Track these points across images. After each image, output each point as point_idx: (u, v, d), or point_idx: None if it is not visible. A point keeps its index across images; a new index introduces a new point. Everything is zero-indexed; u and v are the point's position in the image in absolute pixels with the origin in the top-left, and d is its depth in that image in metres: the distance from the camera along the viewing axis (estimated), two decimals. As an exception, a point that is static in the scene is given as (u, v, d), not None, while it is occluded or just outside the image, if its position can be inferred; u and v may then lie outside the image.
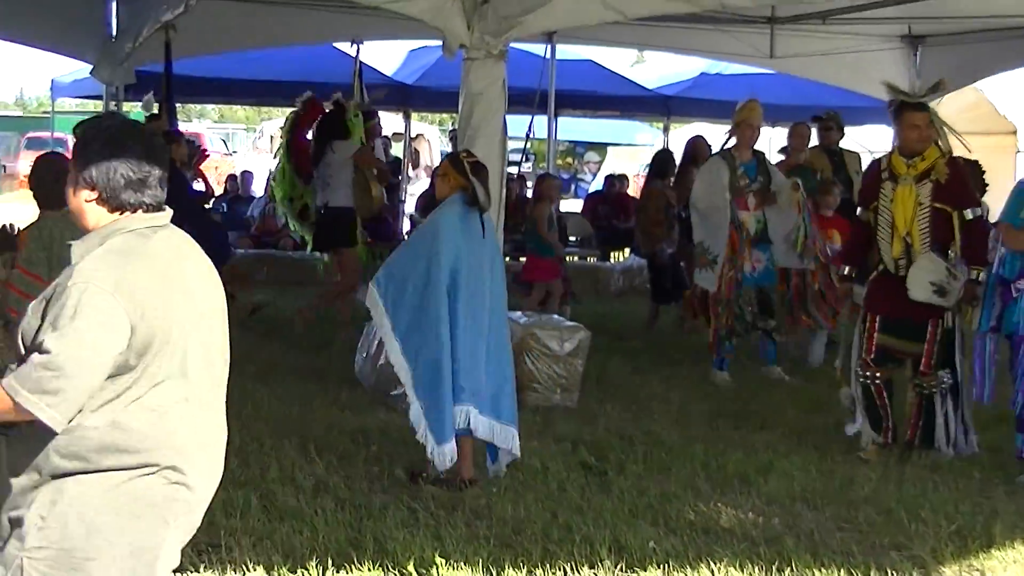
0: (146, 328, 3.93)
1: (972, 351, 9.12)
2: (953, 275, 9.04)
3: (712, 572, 6.59)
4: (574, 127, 31.77)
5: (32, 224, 6.89)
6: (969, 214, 9.12)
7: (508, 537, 7.10)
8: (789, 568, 6.68)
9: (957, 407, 9.26)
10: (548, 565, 6.61)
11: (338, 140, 14.27)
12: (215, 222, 13.87)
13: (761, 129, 12.44)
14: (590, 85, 23.26)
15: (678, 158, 16.13)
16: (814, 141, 14.13)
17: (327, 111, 15.01)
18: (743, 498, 8.12)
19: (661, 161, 16.04)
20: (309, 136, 15.03)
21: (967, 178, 9.50)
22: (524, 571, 6.52)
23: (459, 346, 8.01)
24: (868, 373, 9.36)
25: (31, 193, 7.12)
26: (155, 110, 17.09)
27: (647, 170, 15.92)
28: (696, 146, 15.22)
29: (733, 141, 12.15)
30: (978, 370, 9.04)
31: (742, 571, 6.63)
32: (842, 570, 6.70)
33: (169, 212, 4.21)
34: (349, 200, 14.14)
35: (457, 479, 8.07)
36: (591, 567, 6.60)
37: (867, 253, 9.70)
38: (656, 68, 28.54)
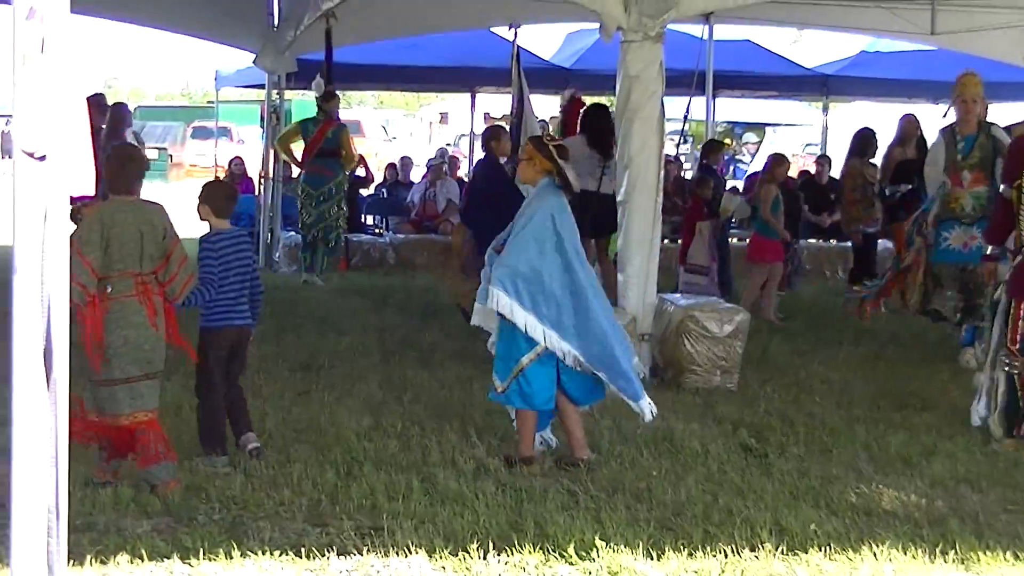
0: None
1: None
2: None
3: (875, 555, 6.52)
4: (732, 108, 31.64)
5: (97, 206, 7.02)
6: None
7: (668, 520, 7.09)
8: (953, 550, 6.60)
9: None
10: (709, 548, 6.59)
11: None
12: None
13: (981, 101, 11.97)
14: (748, 65, 23.13)
15: (836, 136, 15.99)
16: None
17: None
18: (905, 480, 8.03)
19: (862, 139, 15.70)
20: None
21: None
22: (684, 554, 6.51)
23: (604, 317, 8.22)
24: (1012, 362, 8.99)
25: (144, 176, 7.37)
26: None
27: (848, 148, 15.64)
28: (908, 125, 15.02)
29: (953, 116, 11.78)
30: None
31: (905, 553, 6.56)
32: (1008, 552, 6.60)
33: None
34: None
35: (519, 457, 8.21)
36: (752, 550, 6.57)
37: (1010, 232, 9.16)
38: (815, 47, 28.30)
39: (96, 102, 16.81)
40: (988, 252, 9.66)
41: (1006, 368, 9.03)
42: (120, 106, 17.74)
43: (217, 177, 22.07)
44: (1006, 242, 9.26)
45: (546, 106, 25.11)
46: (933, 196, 11.59)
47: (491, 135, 13.40)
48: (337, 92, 17.53)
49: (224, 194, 8.42)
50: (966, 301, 11.51)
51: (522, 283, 8.08)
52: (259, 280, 8.39)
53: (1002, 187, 9.36)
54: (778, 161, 15.44)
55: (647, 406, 8.22)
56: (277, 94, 19.23)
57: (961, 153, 11.45)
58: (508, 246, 8.24)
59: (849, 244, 16.86)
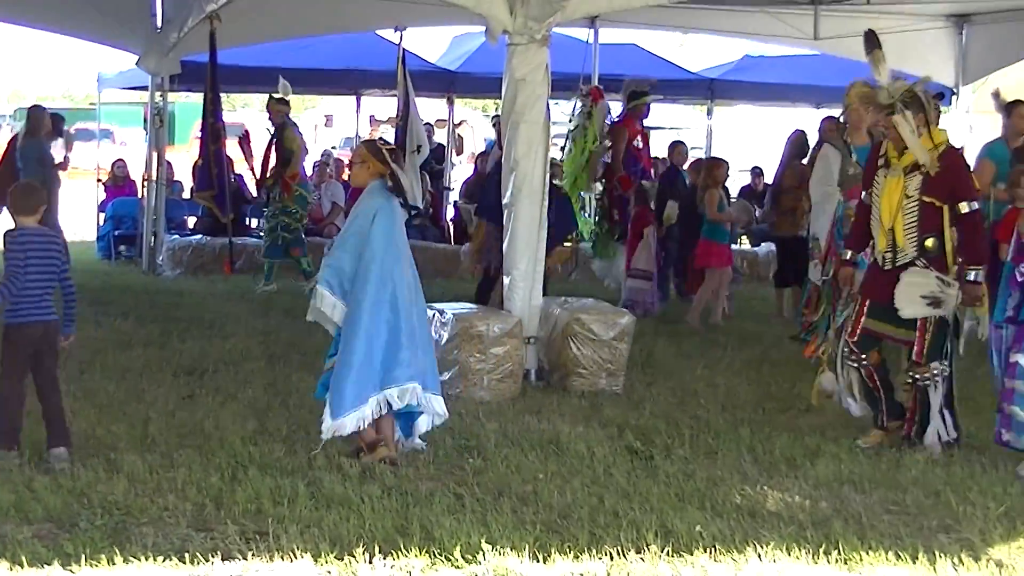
0: None
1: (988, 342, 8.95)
2: (945, 283, 8.74)
3: (759, 556, 6.57)
4: (616, 111, 31.75)
5: None
6: (965, 207, 8.74)
7: (554, 523, 7.09)
8: (836, 551, 6.65)
9: (949, 400, 8.96)
10: (594, 550, 6.60)
11: None
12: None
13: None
14: (633, 69, 23.14)
15: (720, 139, 16.04)
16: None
17: None
18: (790, 482, 8.09)
19: (800, 141, 15.50)
20: None
21: (962, 170, 9.04)
22: (571, 556, 6.52)
23: (403, 329, 8.27)
24: (853, 357, 9.11)
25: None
26: (289, 96, 17.12)
27: (787, 152, 15.56)
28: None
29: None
30: (996, 364, 8.82)
31: (789, 554, 6.61)
32: (890, 553, 6.66)
33: None
34: None
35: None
36: (638, 552, 6.59)
37: (869, 238, 9.24)
38: (700, 51, 28.51)
39: None
40: (847, 257, 9.57)
41: (853, 364, 9.13)
42: (37, 109, 17.30)
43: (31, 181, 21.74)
44: (865, 248, 9.42)
45: (432, 109, 25.10)
46: (835, 215, 11.43)
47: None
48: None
49: (23, 193, 8.36)
50: None
51: (347, 282, 8.27)
52: (71, 282, 8.29)
53: (863, 193, 9.34)
54: (716, 164, 15.46)
55: (333, 428, 8.17)
56: (161, 96, 19.03)
57: (852, 167, 11.19)
58: (334, 245, 8.55)
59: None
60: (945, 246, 8.80)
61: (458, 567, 6.36)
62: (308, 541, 6.61)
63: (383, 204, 8.39)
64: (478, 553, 6.45)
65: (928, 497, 7.79)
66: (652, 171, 15.87)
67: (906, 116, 8.68)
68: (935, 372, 8.88)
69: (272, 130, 16.76)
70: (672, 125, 39.50)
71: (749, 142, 16.53)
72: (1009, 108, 10.62)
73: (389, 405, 8.27)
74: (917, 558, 6.61)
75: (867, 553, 6.65)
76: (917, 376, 8.95)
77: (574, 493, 7.63)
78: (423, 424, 8.63)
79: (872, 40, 9.15)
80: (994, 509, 7.48)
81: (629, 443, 8.92)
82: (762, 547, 6.66)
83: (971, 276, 8.75)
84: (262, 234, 17.03)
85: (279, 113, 16.83)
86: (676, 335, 13.54)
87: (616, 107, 16.19)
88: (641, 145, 15.14)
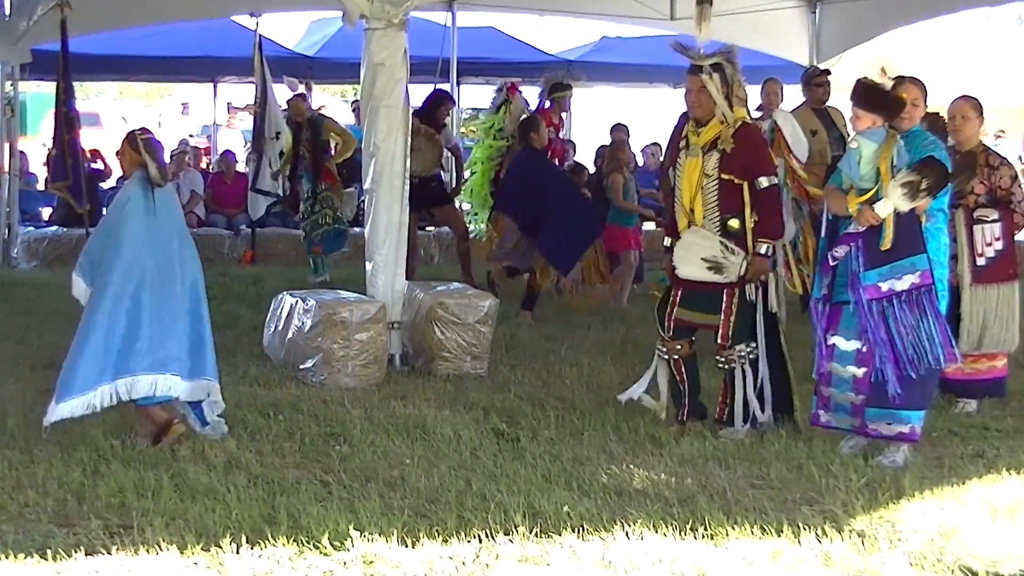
0: None
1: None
2: (729, 249, 8.68)
3: (626, 534, 6.60)
4: (477, 94, 31.74)
5: None
6: (764, 182, 8.73)
7: (422, 507, 7.09)
8: (703, 527, 6.71)
9: (757, 381, 8.92)
10: (463, 533, 6.60)
11: None
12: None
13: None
14: (492, 52, 23.25)
15: (579, 122, 16.08)
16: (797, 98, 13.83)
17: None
18: (656, 459, 8.15)
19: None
20: None
21: (759, 146, 9.02)
22: (439, 540, 6.51)
23: (145, 320, 8.27)
24: (667, 348, 9.07)
25: None
26: (301, 89, 16.86)
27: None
28: None
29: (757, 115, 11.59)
30: (818, 339, 8.64)
31: (656, 531, 6.66)
32: (755, 527, 6.73)
33: None
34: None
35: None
36: (506, 533, 6.60)
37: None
38: (558, 33, 28.57)
39: None
40: (667, 244, 9.44)
41: (664, 356, 9.10)
42: None
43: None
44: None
45: (290, 95, 24.91)
46: None
47: (530, 126, 13.72)
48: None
49: None
50: None
51: (92, 268, 8.37)
52: None
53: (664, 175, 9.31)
54: (619, 147, 15.43)
55: (56, 412, 8.12)
56: (11, 86, 18.69)
57: None
58: (92, 234, 8.67)
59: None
60: (746, 225, 8.75)
61: (326, 554, 6.33)
62: (174, 533, 6.54)
63: (135, 192, 8.41)
64: (346, 540, 6.42)
65: (791, 471, 7.89)
66: (563, 162, 15.88)
67: (713, 79, 8.70)
68: (741, 354, 8.85)
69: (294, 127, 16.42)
70: (532, 107, 39.62)
71: (608, 123, 16.51)
72: (894, 86, 10.71)
73: (119, 396, 8.23)
74: (782, 531, 6.68)
75: (733, 528, 6.72)
76: (723, 359, 8.92)
77: (441, 477, 7.63)
78: (208, 410, 8.61)
79: None
80: (855, 481, 7.59)
81: (495, 425, 8.94)
82: (629, 525, 6.70)
83: (762, 249, 8.72)
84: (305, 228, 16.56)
85: (304, 111, 16.56)
86: (539, 318, 13.57)
87: (473, 90, 16.22)
88: (554, 136, 15.06)
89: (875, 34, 20.82)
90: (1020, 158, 25.56)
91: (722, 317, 8.81)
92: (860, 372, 8.30)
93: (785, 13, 19.64)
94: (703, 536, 6.64)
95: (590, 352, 11.70)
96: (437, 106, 15.52)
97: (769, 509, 7.10)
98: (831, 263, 8.32)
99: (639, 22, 19.99)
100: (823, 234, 8.56)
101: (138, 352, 8.22)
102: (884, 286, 8.09)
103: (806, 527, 6.73)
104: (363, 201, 12.13)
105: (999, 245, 9.48)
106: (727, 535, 6.65)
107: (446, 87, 19.69)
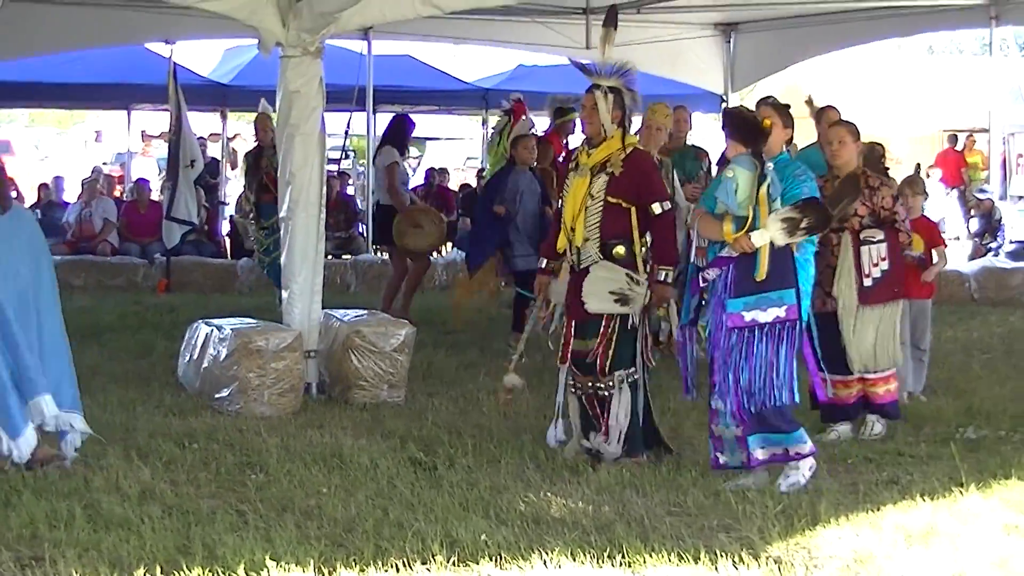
0: None
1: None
2: (635, 280, 8.66)
3: (544, 562, 6.59)
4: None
5: None
6: (657, 208, 8.68)
7: (339, 536, 7.05)
8: (620, 554, 6.71)
9: (636, 407, 8.83)
10: (380, 563, 6.57)
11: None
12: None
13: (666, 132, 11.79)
14: (408, 80, 23.28)
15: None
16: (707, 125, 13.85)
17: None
18: (573, 487, 8.14)
19: None
20: None
21: (650, 171, 8.98)
22: (356, 569, 6.47)
23: (19, 344, 8.18)
24: (579, 384, 8.90)
25: None
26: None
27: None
28: None
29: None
30: (682, 366, 8.63)
31: (574, 559, 6.65)
32: (672, 554, 6.73)
33: None
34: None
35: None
36: (423, 563, 6.57)
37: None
38: (474, 61, 28.66)
39: None
40: (542, 266, 9.45)
41: (573, 390, 8.97)
42: None
43: None
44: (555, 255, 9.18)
45: (204, 123, 24.83)
46: None
47: (517, 142, 13.72)
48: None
49: None
50: None
51: None
52: None
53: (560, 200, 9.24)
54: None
55: (22, 446, 8.16)
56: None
57: None
58: None
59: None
60: (635, 250, 8.72)
61: (242, 585, 6.29)
62: (87, 564, 6.46)
63: None
64: (262, 570, 6.37)
65: (708, 498, 7.90)
66: None
67: (607, 99, 8.68)
68: (620, 380, 8.76)
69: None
70: (448, 135, 39.73)
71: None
72: (819, 115, 10.82)
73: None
74: (699, 558, 6.68)
75: (650, 555, 6.72)
76: (600, 385, 8.80)
77: (358, 506, 7.59)
78: (70, 440, 8.53)
79: (611, 18, 9.15)
80: (772, 507, 7.61)
81: (412, 454, 8.90)
82: (547, 553, 6.69)
83: (661, 276, 8.68)
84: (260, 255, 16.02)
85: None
86: (457, 345, 13.56)
87: (388, 118, 16.18)
88: (562, 160, 14.99)
89: (789, 63, 21.08)
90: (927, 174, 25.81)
91: (599, 340, 8.71)
92: (720, 404, 8.28)
93: (701, 42, 19.84)
94: (621, 564, 6.63)
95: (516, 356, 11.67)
96: (403, 129, 15.51)
97: (686, 536, 7.10)
98: (701, 284, 8.30)
99: (555, 51, 20.07)
100: (692, 259, 8.57)
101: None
102: (748, 316, 8.09)
103: (723, 554, 6.73)
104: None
105: (885, 265, 9.51)
106: (644, 562, 6.64)
107: (362, 116, 19.71)
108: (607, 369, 8.73)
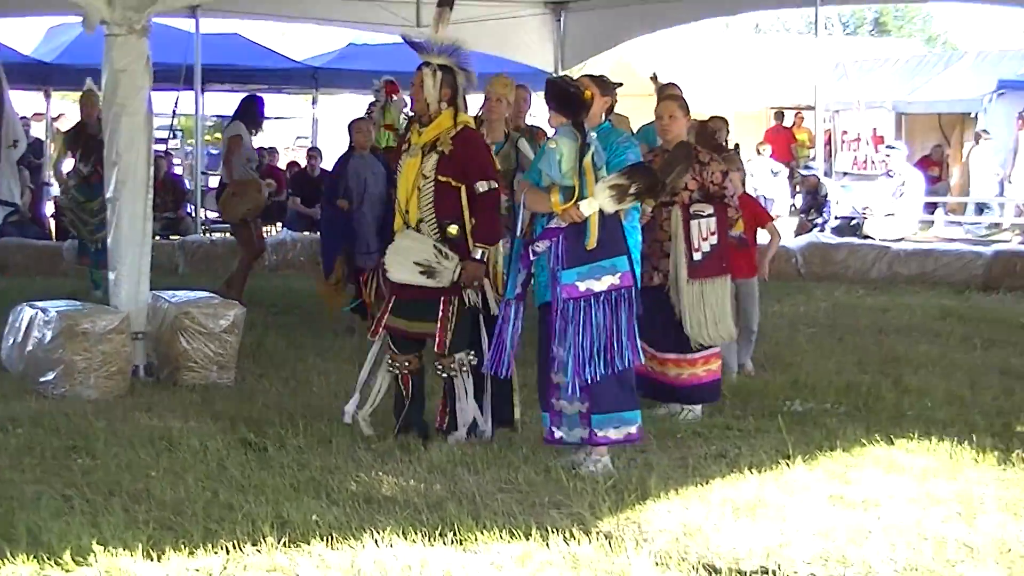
0: None
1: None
2: (443, 254, 8.61)
3: (376, 541, 6.58)
4: (222, 101, 31.48)
5: None
6: (481, 187, 8.68)
7: (168, 519, 6.97)
8: (452, 532, 6.72)
9: (483, 390, 8.86)
10: (210, 545, 6.51)
11: None
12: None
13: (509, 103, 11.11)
14: (237, 59, 23.08)
15: (326, 128, 16.04)
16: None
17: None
18: (405, 466, 8.14)
19: None
20: None
21: (479, 150, 8.96)
22: (186, 553, 6.41)
23: None
24: (396, 363, 8.94)
25: None
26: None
27: None
28: None
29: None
30: (496, 341, 8.49)
31: (405, 538, 6.65)
32: (504, 531, 6.76)
33: None
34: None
35: None
36: (254, 544, 6.52)
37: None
38: (304, 39, 28.50)
39: None
40: (373, 249, 9.33)
41: (391, 370, 8.95)
42: None
43: None
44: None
45: (27, 103, 24.37)
46: None
47: (351, 126, 13.62)
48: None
49: None
50: None
51: None
52: None
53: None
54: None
55: None
56: None
57: None
58: None
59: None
60: (468, 230, 8.71)
61: (68, 570, 6.18)
62: (-93, 553, 6.34)
63: None
64: (89, 555, 6.29)
65: (539, 474, 7.95)
66: None
67: (436, 77, 8.67)
68: (462, 363, 8.77)
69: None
70: (277, 115, 39.38)
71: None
72: (660, 91, 10.89)
73: None
74: (530, 535, 6.72)
75: (482, 532, 6.74)
76: (441, 367, 8.83)
77: (188, 488, 7.52)
78: None
79: None
80: (603, 483, 7.68)
81: (243, 435, 8.83)
82: (378, 532, 6.68)
83: (477, 255, 8.68)
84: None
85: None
86: (287, 326, 13.50)
87: (217, 97, 16.01)
88: None
89: (618, 41, 21.26)
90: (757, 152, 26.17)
91: (439, 325, 8.71)
92: (562, 378, 8.22)
93: (530, 20, 19.91)
94: (452, 541, 6.65)
95: (337, 359, 11.66)
96: (252, 107, 15.62)
97: (518, 513, 7.13)
98: (531, 257, 8.26)
99: (385, 29, 20.03)
100: (518, 233, 8.56)
101: None
102: (582, 286, 8.06)
103: (554, 530, 6.78)
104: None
105: (714, 240, 9.60)
106: (476, 540, 6.67)
107: (190, 95, 19.51)
108: (447, 351, 8.72)
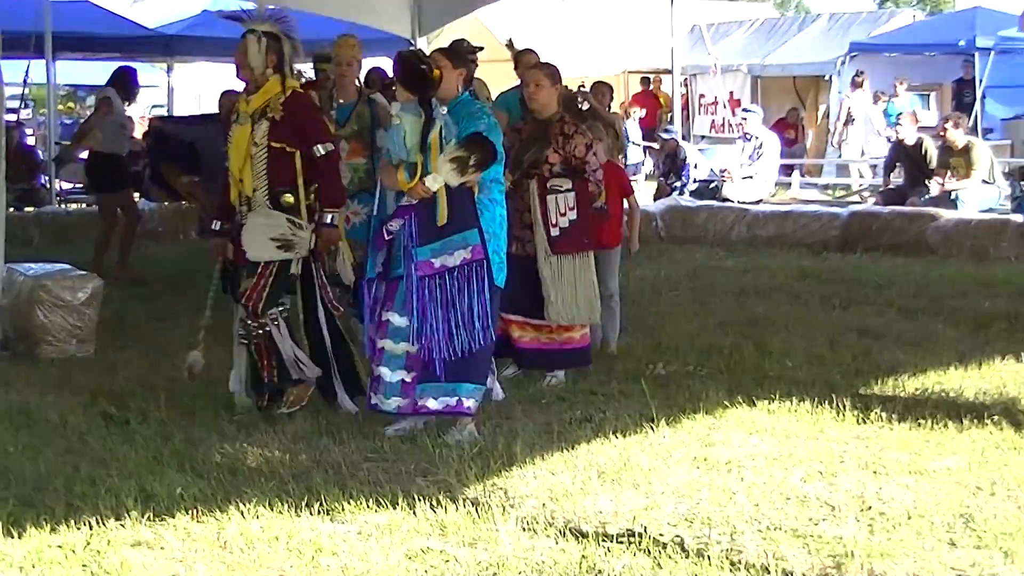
0: None
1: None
2: (297, 225, 8.53)
3: (242, 513, 6.54)
4: (74, 71, 30.98)
5: None
6: (320, 150, 8.58)
7: (29, 496, 6.87)
8: (319, 502, 6.70)
9: (329, 363, 8.79)
10: (73, 521, 6.43)
11: None
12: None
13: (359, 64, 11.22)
14: (88, 26, 22.70)
15: (182, 97, 15.89)
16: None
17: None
18: (269, 437, 8.09)
19: None
20: None
21: (311, 112, 8.90)
22: (47, 529, 6.32)
23: None
24: (248, 329, 8.72)
25: None
26: None
27: None
28: None
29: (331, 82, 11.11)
30: (366, 322, 8.56)
31: (272, 509, 6.61)
32: (370, 500, 6.75)
33: None
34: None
35: None
36: (118, 519, 6.45)
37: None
38: (157, 7, 28.11)
39: None
40: (216, 228, 9.26)
41: (243, 340, 8.80)
42: None
43: None
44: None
45: None
46: None
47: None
48: None
49: None
50: None
51: None
52: None
53: None
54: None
55: None
56: None
57: (336, 124, 10.62)
58: None
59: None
60: (299, 196, 8.59)
61: (-73, 551, 6.09)
62: None
63: None
64: (-53, 534, 6.19)
65: (405, 443, 7.94)
66: None
67: (261, 43, 8.57)
68: (273, 315, 8.63)
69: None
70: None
71: (212, 100, 16.30)
72: (517, 58, 10.85)
73: None
74: (397, 503, 6.71)
75: (349, 502, 6.72)
76: (254, 325, 8.67)
77: (48, 464, 7.42)
78: None
79: None
80: (469, 450, 7.69)
81: (103, 409, 8.73)
82: (244, 504, 6.64)
83: (327, 219, 8.63)
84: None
85: None
86: (147, 298, 13.35)
87: (69, 66, 15.77)
88: None
89: (474, 7, 21.19)
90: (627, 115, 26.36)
91: (253, 282, 8.54)
92: (413, 348, 8.21)
93: (387, -15, 19.76)
94: (319, 512, 6.62)
95: (196, 331, 11.51)
96: (123, 77, 15.76)
97: (384, 482, 7.12)
98: (386, 237, 8.21)
99: (240, -4, 19.79)
100: (374, 212, 8.53)
101: None
102: (436, 262, 8.05)
103: (421, 498, 6.77)
104: None
105: (573, 215, 9.52)
106: (343, 509, 6.65)
107: (42, 64, 19.18)
108: (260, 311, 8.58)
